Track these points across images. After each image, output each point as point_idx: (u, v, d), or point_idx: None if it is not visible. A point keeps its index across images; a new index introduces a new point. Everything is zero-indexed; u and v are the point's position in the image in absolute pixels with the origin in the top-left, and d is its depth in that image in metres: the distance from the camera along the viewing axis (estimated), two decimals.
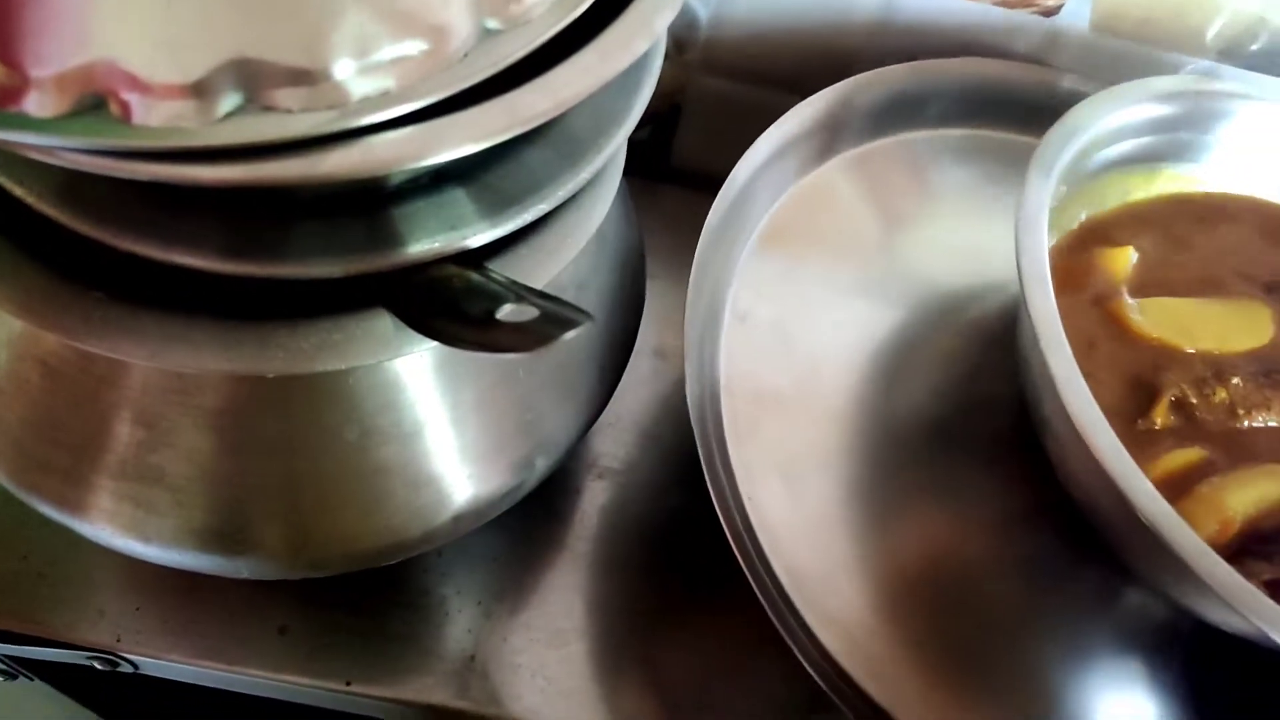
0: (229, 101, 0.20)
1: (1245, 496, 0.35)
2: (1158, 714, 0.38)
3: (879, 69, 0.46)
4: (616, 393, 0.38)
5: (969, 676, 0.37)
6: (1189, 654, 0.38)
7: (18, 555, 0.41)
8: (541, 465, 0.34)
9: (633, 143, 0.35)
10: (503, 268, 0.27)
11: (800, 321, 0.44)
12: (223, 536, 0.29)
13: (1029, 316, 0.34)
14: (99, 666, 0.40)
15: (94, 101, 0.20)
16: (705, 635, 0.43)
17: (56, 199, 0.24)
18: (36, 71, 0.19)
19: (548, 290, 0.25)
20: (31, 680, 0.47)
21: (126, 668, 0.40)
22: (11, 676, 0.46)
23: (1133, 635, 0.39)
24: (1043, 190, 0.37)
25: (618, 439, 0.47)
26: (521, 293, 0.25)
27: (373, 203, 0.26)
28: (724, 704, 0.41)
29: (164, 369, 0.27)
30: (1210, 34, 0.43)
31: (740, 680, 0.42)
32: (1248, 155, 0.44)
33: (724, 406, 0.40)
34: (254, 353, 0.25)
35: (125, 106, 0.20)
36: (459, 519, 0.32)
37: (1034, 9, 0.46)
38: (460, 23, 0.22)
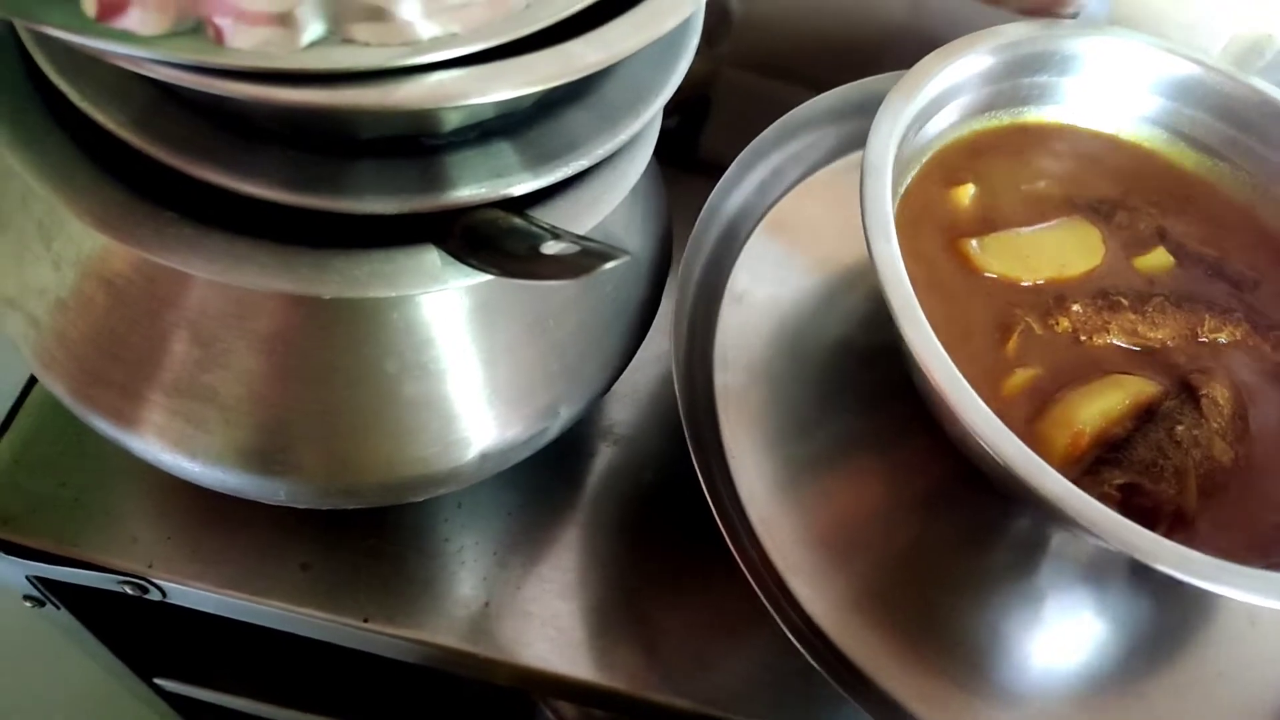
0: (312, 31, 0.22)
1: (1092, 409, 0.36)
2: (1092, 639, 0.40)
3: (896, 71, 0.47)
4: (634, 365, 0.40)
5: (925, 629, 0.39)
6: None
7: (56, 481, 0.43)
8: (565, 414, 0.35)
9: (662, 132, 0.37)
10: (542, 217, 0.29)
11: (793, 303, 0.45)
12: (265, 457, 0.31)
13: (872, 258, 0.34)
14: (130, 592, 0.42)
15: (191, 25, 0.22)
16: (706, 599, 0.44)
17: (135, 126, 0.26)
18: None
19: None
20: (59, 609, 0.48)
21: (155, 595, 0.42)
22: (40, 603, 0.48)
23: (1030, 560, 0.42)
24: (889, 136, 0.37)
25: (633, 409, 0.49)
26: (561, 234, 0.27)
27: (426, 149, 0.28)
28: (721, 665, 0.43)
29: (223, 292, 0.29)
30: (1217, 49, 0.45)
31: (738, 644, 0.44)
32: (1098, 90, 0.45)
33: (715, 376, 0.42)
34: (313, 275, 0.27)
35: (219, 30, 0.22)
36: (485, 458, 0.34)
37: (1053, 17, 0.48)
38: None
